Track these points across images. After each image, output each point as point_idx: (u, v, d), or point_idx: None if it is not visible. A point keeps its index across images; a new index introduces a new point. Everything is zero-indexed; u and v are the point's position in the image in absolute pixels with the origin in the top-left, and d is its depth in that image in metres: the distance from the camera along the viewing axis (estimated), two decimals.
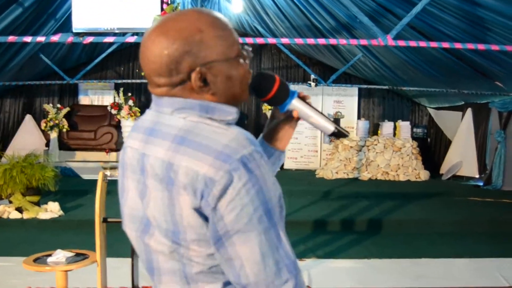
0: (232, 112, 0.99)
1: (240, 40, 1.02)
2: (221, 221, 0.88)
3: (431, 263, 4.82)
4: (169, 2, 5.19)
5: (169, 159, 0.90)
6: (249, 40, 6.33)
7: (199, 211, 0.89)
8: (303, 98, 1.17)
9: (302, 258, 5.16)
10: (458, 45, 5.43)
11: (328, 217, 6.55)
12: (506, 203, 7.44)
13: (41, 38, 5.70)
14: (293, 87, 10.63)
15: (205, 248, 0.93)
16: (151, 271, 1.03)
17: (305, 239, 5.86)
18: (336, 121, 9.62)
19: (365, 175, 8.95)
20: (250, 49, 1.04)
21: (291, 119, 1.20)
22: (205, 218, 0.91)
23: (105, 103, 11.22)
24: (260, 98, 1.14)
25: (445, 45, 5.55)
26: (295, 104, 1.16)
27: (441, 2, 5.68)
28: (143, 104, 11.09)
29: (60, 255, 3.45)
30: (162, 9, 5.10)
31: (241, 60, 0.99)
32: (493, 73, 7.63)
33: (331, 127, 1.17)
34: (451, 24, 6.22)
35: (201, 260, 0.94)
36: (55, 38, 5.47)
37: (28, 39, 5.71)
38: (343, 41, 6.82)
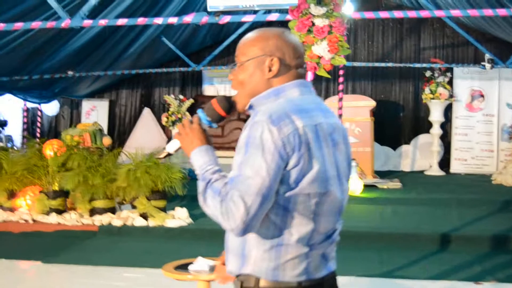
0: None
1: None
2: None
3: None
4: None
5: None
6: (411, 13, 5.75)
7: None
8: None
9: (478, 282, 4.82)
10: None
11: (510, 232, 6.05)
12: None
13: (172, 20, 5.48)
14: (462, 69, 9.96)
15: None
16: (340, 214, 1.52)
17: (481, 259, 5.54)
18: None
19: None
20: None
21: None
22: None
23: (233, 93, 11.17)
24: (227, 114, 1.61)
25: None
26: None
27: None
28: None
29: (202, 263, 3.33)
30: None
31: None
32: None
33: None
34: None
35: None
36: (188, 18, 5.32)
37: (159, 20, 5.47)
38: None
